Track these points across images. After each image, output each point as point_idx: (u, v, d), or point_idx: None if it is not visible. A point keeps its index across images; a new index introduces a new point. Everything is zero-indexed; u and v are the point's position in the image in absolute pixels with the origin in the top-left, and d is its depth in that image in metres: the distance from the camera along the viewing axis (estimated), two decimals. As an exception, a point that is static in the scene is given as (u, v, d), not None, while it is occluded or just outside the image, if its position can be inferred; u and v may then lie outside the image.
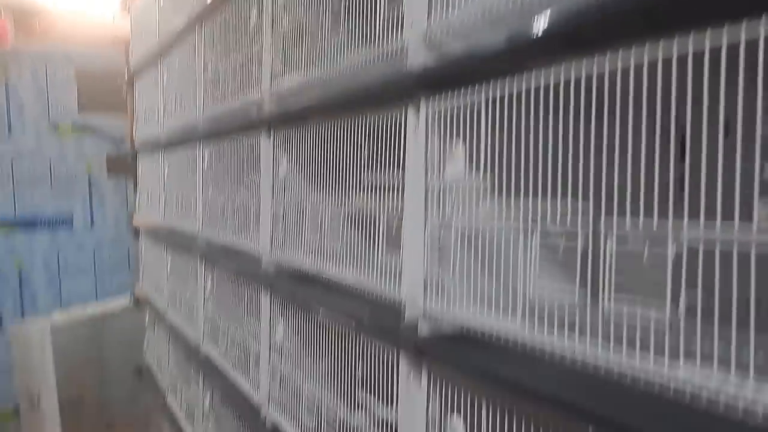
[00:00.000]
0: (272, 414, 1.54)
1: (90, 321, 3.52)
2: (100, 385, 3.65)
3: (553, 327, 0.74)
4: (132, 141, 3.60)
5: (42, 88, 3.63)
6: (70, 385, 3.34)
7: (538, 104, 0.78)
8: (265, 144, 1.57)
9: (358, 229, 1.19)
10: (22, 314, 3.63)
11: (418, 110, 0.96)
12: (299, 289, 1.36)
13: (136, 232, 3.52)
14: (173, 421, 2.65)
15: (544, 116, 0.79)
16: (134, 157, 3.56)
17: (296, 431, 1.41)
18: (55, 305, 3.69)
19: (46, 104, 3.65)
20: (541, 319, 0.76)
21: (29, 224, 3.67)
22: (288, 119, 1.47)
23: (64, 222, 3.77)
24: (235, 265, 1.80)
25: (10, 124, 3.58)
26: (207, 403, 2.12)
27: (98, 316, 3.54)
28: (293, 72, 1.42)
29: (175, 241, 2.51)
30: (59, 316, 3.41)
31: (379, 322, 1.03)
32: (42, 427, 3.28)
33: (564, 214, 0.76)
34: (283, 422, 1.48)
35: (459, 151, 0.92)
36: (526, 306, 0.80)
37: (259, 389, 1.63)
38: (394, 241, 1.07)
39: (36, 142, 3.64)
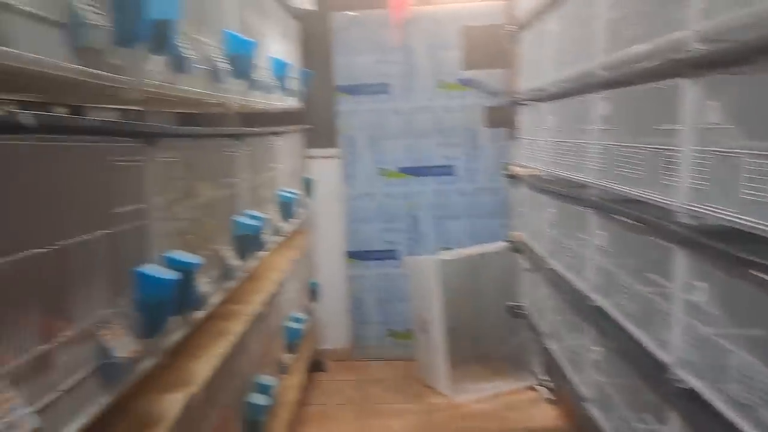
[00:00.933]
0: (685, 377, 1.46)
1: (470, 259, 3.90)
2: (476, 318, 4.02)
3: None
4: (512, 93, 3.76)
5: (433, 48, 4.03)
6: (452, 315, 3.77)
7: None
8: (689, 88, 1.44)
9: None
10: (413, 252, 4.18)
11: None
12: (731, 248, 1.23)
13: (513, 180, 3.70)
14: (553, 365, 2.76)
15: None
16: (514, 109, 3.71)
17: (719, 399, 1.31)
18: (438, 245, 4.17)
19: (436, 63, 4.05)
20: None
21: (420, 172, 4.18)
22: (723, 61, 1.31)
23: (448, 170, 4.19)
24: (639, 218, 1.73)
25: (410, 84, 4.09)
26: (597, 353, 2.14)
27: (477, 255, 3.89)
28: (731, 8, 1.26)
29: (561, 190, 2.55)
30: (444, 254, 3.84)
31: None
32: (432, 349, 3.78)
33: None
34: (701, 387, 1.39)
35: None
36: None
37: (668, 349, 1.56)
38: None
39: (427, 99, 4.10)
